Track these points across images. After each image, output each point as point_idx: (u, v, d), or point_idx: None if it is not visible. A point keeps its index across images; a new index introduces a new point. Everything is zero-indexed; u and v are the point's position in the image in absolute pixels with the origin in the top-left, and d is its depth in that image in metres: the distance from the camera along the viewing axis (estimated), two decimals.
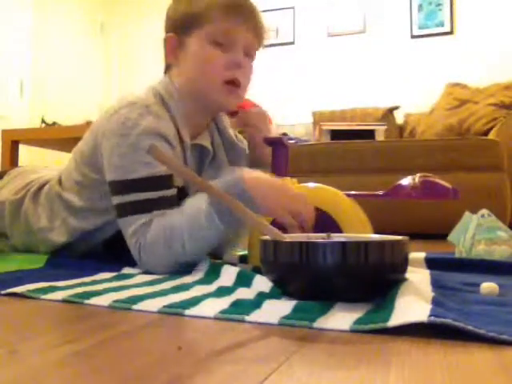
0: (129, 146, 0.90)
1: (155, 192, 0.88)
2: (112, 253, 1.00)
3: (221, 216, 0.80)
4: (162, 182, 0.89)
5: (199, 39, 0.97)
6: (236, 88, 0.98)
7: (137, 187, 0.89)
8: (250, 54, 1.01)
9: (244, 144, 1.13)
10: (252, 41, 1.00)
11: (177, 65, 1.01)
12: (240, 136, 1.16)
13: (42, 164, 3.21)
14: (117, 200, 0.91)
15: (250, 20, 0.98)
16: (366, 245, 0.59)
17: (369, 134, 2.61)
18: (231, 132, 1.13)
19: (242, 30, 0.97)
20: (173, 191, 0.91)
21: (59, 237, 1.02)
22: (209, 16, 0.96)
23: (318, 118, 3.38)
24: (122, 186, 0.90)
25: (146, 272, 0.86)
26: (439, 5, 3.79)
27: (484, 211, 1.08)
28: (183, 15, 0.99)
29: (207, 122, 1.08)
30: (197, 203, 0.84)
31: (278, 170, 0.96)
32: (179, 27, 0.99)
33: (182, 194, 0.93)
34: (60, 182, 1.06)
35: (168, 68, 1.04)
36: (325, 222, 0.87)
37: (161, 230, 0.85)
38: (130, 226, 0.88)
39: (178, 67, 1.01)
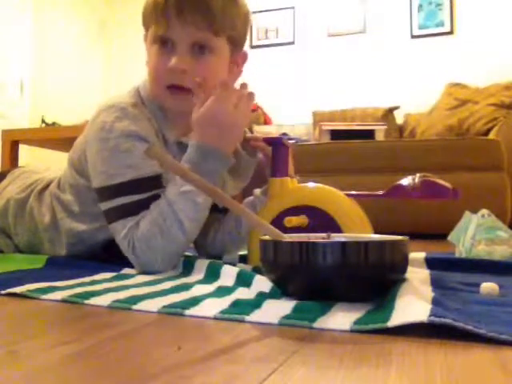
0: (109, 150, 0.90)
1: (141, 194, 0.88)
2: (112, 255, 1.00)
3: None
4: (148, 183, 0.89)
5: (148, 42, 0.96)
6: (180, 92, 0.92)
7: (123, 191, 0.88)
8: (205, 47, 0.92)
9: (252, 155, 1.07)
10: (200, 35, 0.91)
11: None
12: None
13: (42, 164, 3.21)
14: (105, 206, 0.91)
15: (185, 13, 0.89)
16: (366, 245, 0.59)
17: (369, 134, 2.61)
18: None
19: (179, 30, 0.90)
20: (160, 191, 0.89)
21: (61, 236, 1.03)
22: (148, 19, 0.94)
23: (318, 118, 3.38)
24: (108, 192, 0.90)
25: (146, 272, 0.86)
26: (439, 5, 3.79)
27: (484, 211, 1.08)
28: (142, 13, 0.97)
29: None
30: (178, 185, 0.85)
31: (278, 170, 0.96)
32: (143, 25, 0.99)
33: None
34: (59, 184, 1.06)
35: None
36: (324, 221, 0.87)
37: (152, 224, 0.85)
38: (121, 231, 0.88)
39: None
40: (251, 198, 1.06)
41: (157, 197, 0.88)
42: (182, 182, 0.84)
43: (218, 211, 1.03)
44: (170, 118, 0.98)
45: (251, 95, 0.89)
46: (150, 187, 0.89)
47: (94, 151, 0.92)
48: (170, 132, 0.98)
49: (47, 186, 1.10)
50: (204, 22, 0.90)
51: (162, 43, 0.92)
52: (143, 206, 0.87)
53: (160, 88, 0.94)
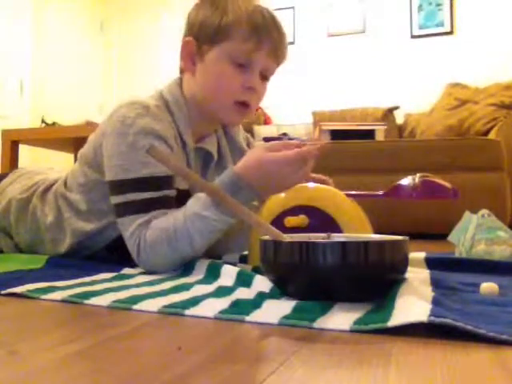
0: (127, 145, 0.90)
1: (153, 192, 0.88)
2: (115, 256, 1.00)
3: (224, 209, 0.81)
4: (161, 182, 0.89)
5: (220, 54, 0.95)
6: (245, 109, 0.99)
7: (135, 187, 0.89)
8: (266, 76, 0.99)
9: None
10: (271, 65, 0.98)
11: (191, 72, 0.99)
12: (254, 143, 1.16)
13: (42, 164, 3.21)
14: (115, 200, 0.91)
15: (274, 43, 0.96)
16: (366, 245, 0.59)
17: (369, 134, 2.61)
18: (242, 140, 1.13)
19: (263, 54, 0.95)
20: (171, 192, 0.91)
21: (64, 236, 1.03)
22: (235, 32, 0.93)
23: (318, 118, 3.38)
24: (120, 186, 0.91)
25: (146, 272, 0.86)
26: (439, 5, 3.79)
27: (484, 211, 1.08)
28: (208, 23, 0.95)
29: (214, 128, 1.08)
30: (199, 201, 0.84)
31: None
32: (201, 34, 0.96)
33: (186, 197, 0.93)
34: (65, 182, 1.07)
35: (182, 71, 1.04)
36: (324, 221, 0.87)
37: (162, 231, 0.85)
38: (129, 227, 0.88)
39: (192, 75, 0.99)
40: None
41: (167, 198, 0.89)
42: (204, 201, 0.82)
43: None
44: (192, 123, 1.00)
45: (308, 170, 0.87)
46: (161, 187, 0.89)
47: (112, 144, 0.93)
48: (189, 137, 1.00)
49: (50, 186, 1.10)
50: (280, 56, 0.99)
51: (236, 63, 0.95)
52: (153, 204, 0.88)
53: (228, 102, 0.97)
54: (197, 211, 0.83)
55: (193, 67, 0.99)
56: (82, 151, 1.06)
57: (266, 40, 0.95)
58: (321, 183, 0.98)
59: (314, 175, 1.02)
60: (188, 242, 0.83)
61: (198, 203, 0.84)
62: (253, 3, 0.96)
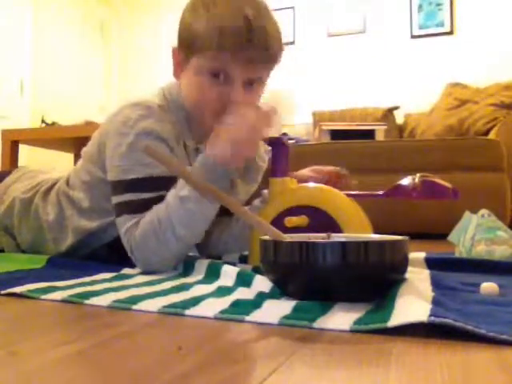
0: (127, 145, 0.91)
1: (151, 193, 0.88)
2: (117, 255, 1.00)
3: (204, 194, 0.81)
4: (159, 183, 0.89)
5: (196, 65, 0.92)
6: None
7: (133, 188, 0.89)
8: (253, 82, 0.92)
9: (263, 160, 1.12)
10: (254, 71, 0.91)
11: (180, 79, 0.98)
12: (262, 149, 1.14)
13: (42, 164, 3.21)
14: (115, 200, 0.92)
15: (250, 56, 0.87)
16: (366, 245, 0.59)
17: (369, 134, 2.61)
18: None
19: (239, 65, 0.88)
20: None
21: (66, 234, 1.03)
22: (204, 46, 0.88)
23: (318, 118, 3.38)
24: (119, 187, 0.91)
25: (144, 272, 0.86)
26: (439, 5, 3.79)
27: (484, 211, 1.08)
28: (186, 34, 0.92)
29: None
30: (178, 190, 0.84)
31: (278, 170, 0.96)
32: (183, 44, 0.93)
33: None
34: (68, 181, 1.07)
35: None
36: (324, 221, 0.87)
37: (148, 224, 0.85)
38: (123, 226, 0.89)
39: (181, 82, 0.98)
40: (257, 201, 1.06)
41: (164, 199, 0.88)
42: (182, 185, 0.84)
43: (224, 213, 1.03)
44: (193, 125, 0.99)
45: (268, 114, 0.87)
46: (160, 187, 0.89)
47: (113, 144, 0.93)
48: (189, 139, 1.00)
49: (53, 185, 1.11)
50: (264, 63, 0.92)
51: (212, 75, 0.90)
52: (150, 204, 0.88)
53: (207, 114, 0.92)
54: (175, 194, 0.84)
55: (180, 75, 0.97)
56: (85, 149, 1.06)
57: (238, 55, 0.87)
58: (334, 175, 0.98)
59: (328, 168, 1.02)
60: (171, 231, 0.84)
61: (176, 193, 0.84)
62: (234, 5, 0.87)
